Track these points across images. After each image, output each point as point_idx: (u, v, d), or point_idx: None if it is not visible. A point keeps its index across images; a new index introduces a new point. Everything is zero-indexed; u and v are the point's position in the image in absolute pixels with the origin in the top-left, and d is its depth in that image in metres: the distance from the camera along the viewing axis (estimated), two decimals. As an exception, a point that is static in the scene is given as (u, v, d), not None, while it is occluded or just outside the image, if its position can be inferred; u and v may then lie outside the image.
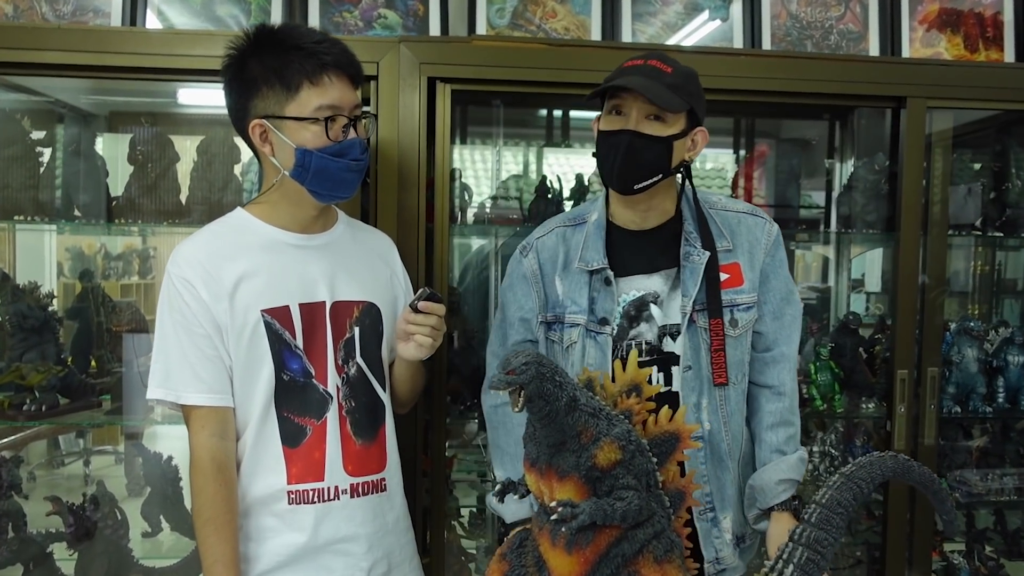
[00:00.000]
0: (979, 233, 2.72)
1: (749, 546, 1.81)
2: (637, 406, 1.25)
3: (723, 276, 1.71)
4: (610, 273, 1.71)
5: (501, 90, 2.23)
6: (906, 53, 2.67)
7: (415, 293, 1.66)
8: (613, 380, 1.28)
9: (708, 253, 1.69)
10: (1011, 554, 2.80)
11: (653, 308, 1.69)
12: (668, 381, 1.70)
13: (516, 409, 1.16)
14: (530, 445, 1.24)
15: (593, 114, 1.78)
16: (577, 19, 2.60)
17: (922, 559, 2.43)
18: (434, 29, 2.52)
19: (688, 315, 1.68)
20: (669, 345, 1.69)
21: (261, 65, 1.53)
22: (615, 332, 1.69)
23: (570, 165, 2.84)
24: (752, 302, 1.73)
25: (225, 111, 1.62)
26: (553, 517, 1.18)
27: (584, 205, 1.90)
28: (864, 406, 2.58)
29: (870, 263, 3.16)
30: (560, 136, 2.99)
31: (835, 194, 2.86)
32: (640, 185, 1.65)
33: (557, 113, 2.96)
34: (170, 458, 2.54)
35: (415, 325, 1.63)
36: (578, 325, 1.71)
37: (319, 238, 1.67)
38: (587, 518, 1.16)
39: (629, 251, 1.74)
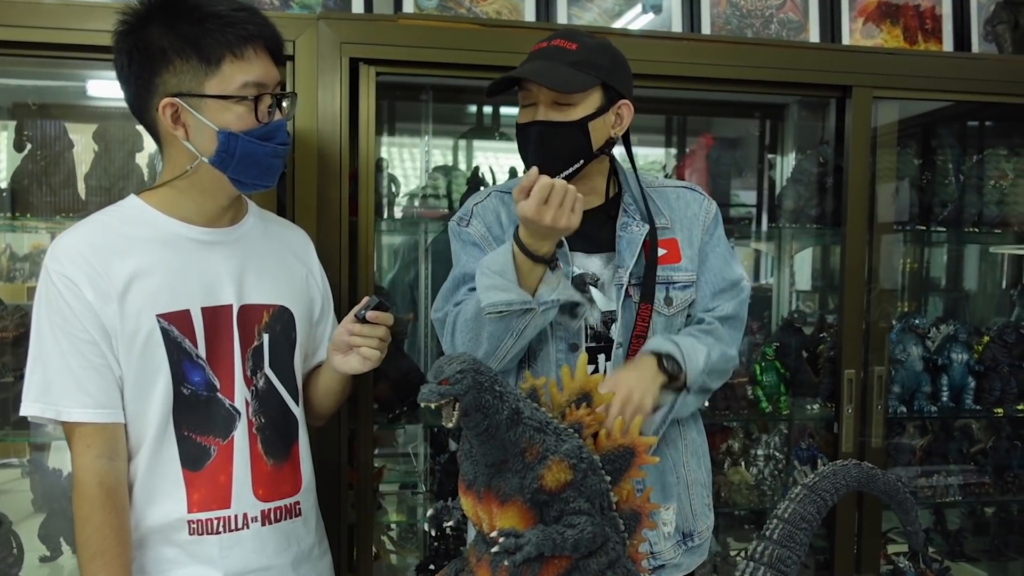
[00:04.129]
0: (923, 228, 2.67)
1: (698, 546, 1.70)
2: (588, 418, 1.10)
3: (660, 251, 1.61)
4: None
5: (430, 74, 2.06)
6: (846, 43, 2.60)
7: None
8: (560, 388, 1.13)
9: (648, 226, 1.60)
10: (953, 555, 2.77)
11: (594, 291, 1.58)
12: None
13: (450, 424, 1.00)
14: (466, 464, 1.08)
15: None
16: (510, 2, 2.46)
17: (870, 562, 2.36)
18: (357, 11, 2.35)
19: (624, 288, 1.58)
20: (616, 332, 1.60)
21: (172, 34, 1.32)
22: None
23: (497, 159, 2.70)
24: (689, 280, 1.65)
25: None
26: (494, 549, 1.03)
27: (518, 179, 1.77)
28: (809, 407, 2.49)
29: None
30: (490, 127, 2.84)
31: (770, 190, 2.79)
32: (564, 174, 1.54)
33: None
34: (71, 475, 2.30)
35: (361, 337, 1.46)
36: None
37: (226, 233, 1.47)
38: (534, 549, 1.01)
39: None
